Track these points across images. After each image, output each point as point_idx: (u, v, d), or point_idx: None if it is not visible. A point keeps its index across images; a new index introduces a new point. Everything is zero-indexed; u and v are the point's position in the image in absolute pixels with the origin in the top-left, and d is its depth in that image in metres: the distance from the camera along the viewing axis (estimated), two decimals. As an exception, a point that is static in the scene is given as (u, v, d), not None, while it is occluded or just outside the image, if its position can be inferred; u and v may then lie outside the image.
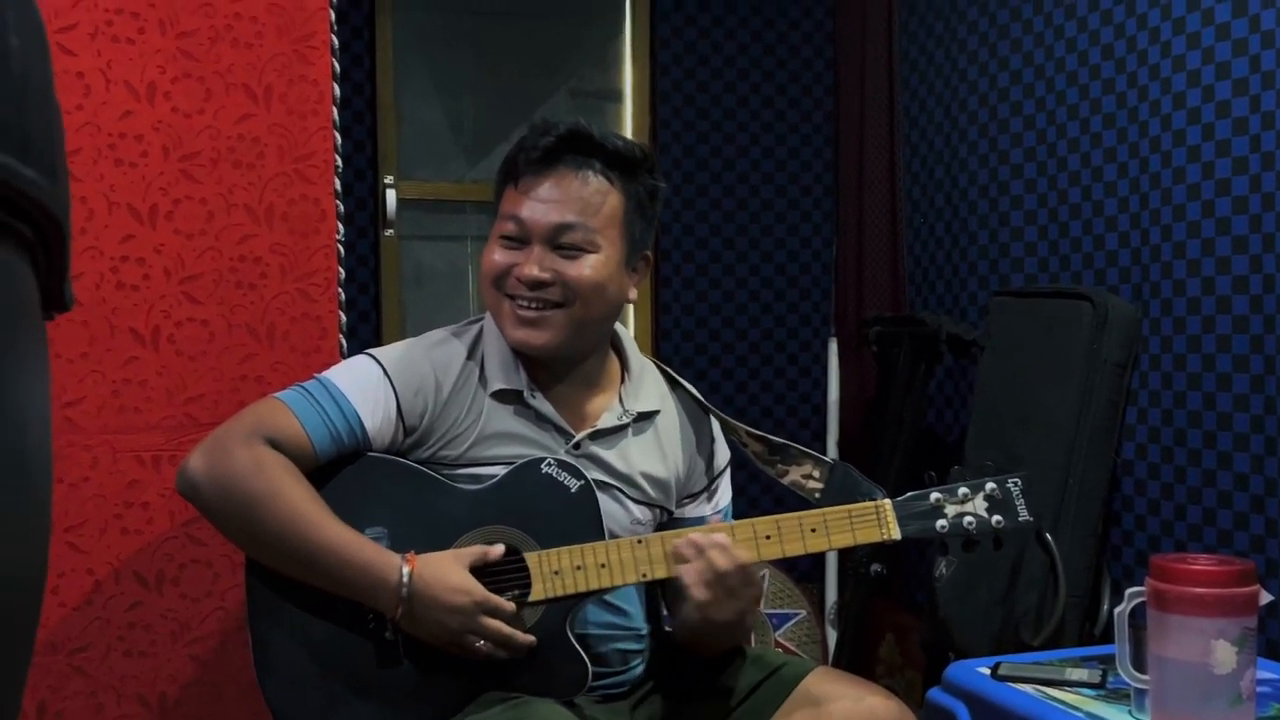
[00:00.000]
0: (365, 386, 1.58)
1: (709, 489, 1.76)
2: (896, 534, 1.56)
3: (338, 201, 1.81)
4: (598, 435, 1.65)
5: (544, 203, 1.59)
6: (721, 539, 1.50)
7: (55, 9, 1.65)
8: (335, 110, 1.80)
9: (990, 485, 1.59)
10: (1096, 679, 1.62)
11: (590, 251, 1.60)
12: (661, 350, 3.35)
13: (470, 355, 1.64)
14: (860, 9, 3.31)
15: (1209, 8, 2.22)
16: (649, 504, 1.67)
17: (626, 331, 1.77)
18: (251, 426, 1.52)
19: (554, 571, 1.52)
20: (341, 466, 1.57)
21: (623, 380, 1.71)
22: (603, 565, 1.52)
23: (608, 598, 1.61)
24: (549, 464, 1.56)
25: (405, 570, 1.46)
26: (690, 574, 1.49)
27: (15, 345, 0.53)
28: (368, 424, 1.56)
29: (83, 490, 1.69)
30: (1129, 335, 2.28)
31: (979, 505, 1.58)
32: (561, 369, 1.66)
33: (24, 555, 0.53)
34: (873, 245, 3.27)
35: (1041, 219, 2.70)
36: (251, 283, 1.76)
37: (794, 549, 1.56)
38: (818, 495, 1.64)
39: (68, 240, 0.59)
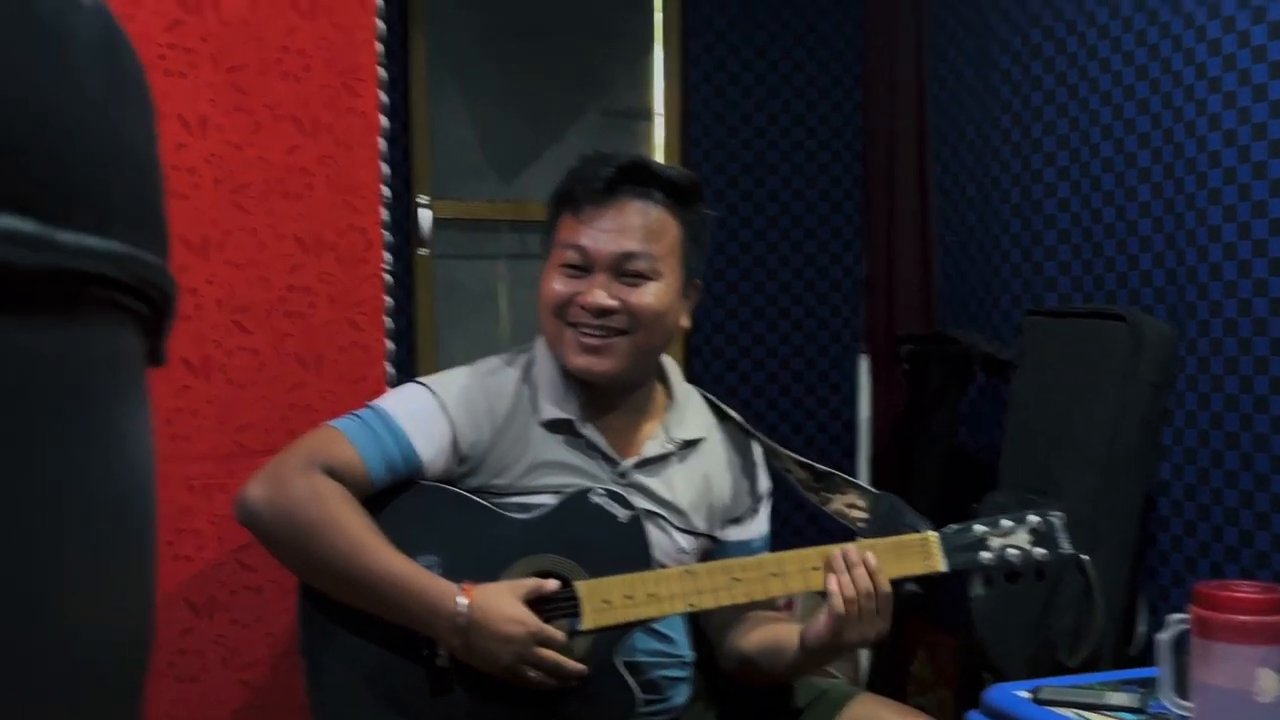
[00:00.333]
0: (420, 416, 1.59)
1: (753, 510, 1.76)
2: (943, 566, 1.57)
3: (385, 231, 1.83)
4: (643, 464, 1.66)
5: (607, 232, 1.61)
6: (873, 560, 1.50)
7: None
8: (383, 141, 1.82)
9: (1033, 518, 1.60)
10: (1136, 703, 1.63)
11: (653, 279, 1.62)
12: (692, 367, 3.36)
13: (522, 383, 1.66)
14: (890, 25, 3.31)
15: (1244, 30, 2.23)
16: (694, 533, 1.68)
17: (670, 359, 1.78)
18: (309, 455, 1.53)
19: (604, 601, 1.53)
20: (394, 494, 1.59)
21: (667, 408, 1.72)
22: (652, 595, 1.54)
23: (654, 625, 1.63)
24: (598, 494, 1.57)
25: (463, 601, 1.47)
26: (837, 585, 1.49)
27: (136, 415, 0.55)
28: (422, 454, 1.58)
29: (135, 517, 1.71)
30: (1165, 356, 2.28)
31: (1022, 538, 1.59)
32: (615, 397, 1.67)
33: (140, 605, 0.55)
34: (903, 262, 3.27)
35: (1075, 238, 2.70)
36: (300, 312, 1.78)
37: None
38: (862, 524, 1.65)
39: (173, 308, 0.61)
